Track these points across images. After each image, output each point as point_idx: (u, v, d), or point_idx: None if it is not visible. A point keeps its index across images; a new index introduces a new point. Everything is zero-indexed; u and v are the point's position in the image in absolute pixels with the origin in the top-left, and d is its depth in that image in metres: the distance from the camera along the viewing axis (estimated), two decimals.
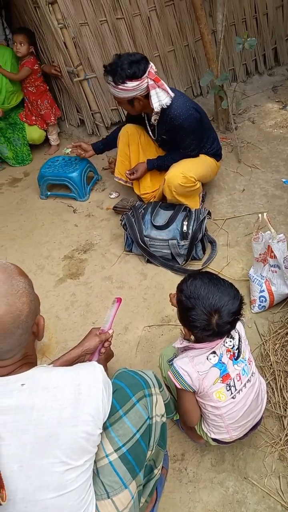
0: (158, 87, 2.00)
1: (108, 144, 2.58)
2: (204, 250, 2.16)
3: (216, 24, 2.75)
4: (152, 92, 2.00)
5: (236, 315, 1.10)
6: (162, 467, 1.33)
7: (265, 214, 1.73)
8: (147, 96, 2.05)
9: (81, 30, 2.84)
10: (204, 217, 2.10)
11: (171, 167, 2.21)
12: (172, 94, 2.05)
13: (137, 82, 1.97)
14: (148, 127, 2.32)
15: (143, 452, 1.00)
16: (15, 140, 3.23)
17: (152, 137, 2.35)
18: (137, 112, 2.18)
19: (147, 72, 1.98)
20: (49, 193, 2.81)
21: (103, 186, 2.86)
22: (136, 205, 2.32)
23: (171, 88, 2.08)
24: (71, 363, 1.23)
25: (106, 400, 0.90)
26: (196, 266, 2.12)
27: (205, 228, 2.11)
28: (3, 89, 3.06)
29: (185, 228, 2.08)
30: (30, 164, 3.30)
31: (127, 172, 2.39)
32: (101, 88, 3.07)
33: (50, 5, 2.71)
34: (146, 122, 2.30)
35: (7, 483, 0.76)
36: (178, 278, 2.07)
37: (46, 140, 3.39)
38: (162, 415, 1.07)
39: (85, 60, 2.94)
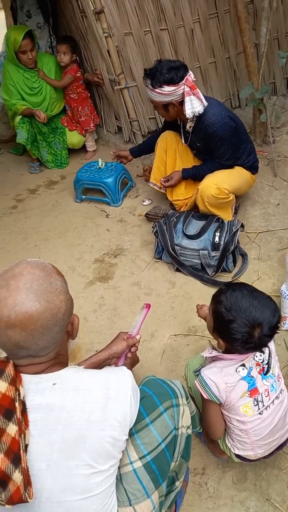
0: (193, 94, 2.04)
1: (142, 150, 2.67)
2: (235, 262, 2.14)
3: (260, 37, 2.74)
4: (187, 99, 2.03)
5: (275, 329, 1.09)
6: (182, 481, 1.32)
7: None
8: (182, 103, 2.08)
9: (125, 39, 2.91)
10: (237, 229, 2.08)
11: (206, 177, 2.20)
12: (206, 103, 2.07)
13: (174, 88, 2.01)
14: (182, 134, 2.33)
15: (167, 463, 0.99)
16: (55, 144, 3.33)
17: (186, 143, 2.36)
18: (172, 118, 2.22)
19: (184, 79, 2.01)
20: (83, 196, 2.88)
21: (137, 193, 2.90)
22: (169, 213, 2.33)
23: (207, 97, 2.11)
24: (97, 365, 1.25)
25: (133, 407, 0.90)
26: (225, 278, 2.10)
27: (237, 240, 2.10)
28: (47, 96, 3.17)
29: (217, 239, 2.07)
30: (67, 168, 3.39)
31: (162, 179, 2.41)
32: (140, 96, 3.12)
33: (97, 14, 2.80)
34: (181, 129, 2.31)
35: (34, 481, 0.77)
36: (206, 289, 2.06)
37: (84, 145, 3.48)
38: (188, 427, 1.06)
39: (127, 69, 3.00)
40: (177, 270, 2.18)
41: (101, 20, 2.82)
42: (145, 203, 2.76)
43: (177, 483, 1.11)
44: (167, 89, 2.02)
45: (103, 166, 2.82)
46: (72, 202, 2.93)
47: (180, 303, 2.02)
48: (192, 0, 2.95)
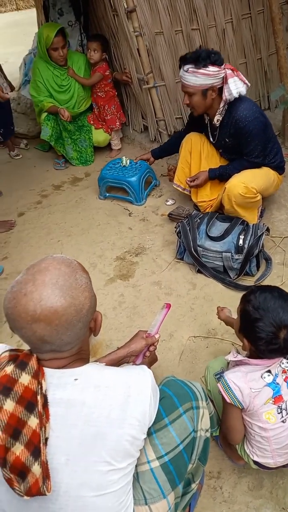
0: (236, 76, 2.03)
1: (164, 151, 2.68)
2: (258, 266, 2.11)
3: None
4: (230, 80, 2.01)
5: None
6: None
7: None
8: (220, 90, 2.06)
9: (156, 39, 2.90)
10: (262, 233, 2.05)
11: (233, 176, 2.18)
12: (249, 84, 2.07)
13: (218, 69, 1.99)
14: (209, 131, 2.30)
15: (184, 465, 0.99)
16: (81, 142, 3.37)
17: (213, 141, 2.33)
18: (206, 108, 2.17)
19: (224, 64, 2.02)
20: (107, 194, 2.89)
21: (160, 193, 2.89)
22: (193, 214, 2.32)
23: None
24: (116, 362, 1.25)
25: (153, 406, 0.90)
26: (248, 281, 2.07)
27: (262, 244, 2.06)
28: (75, 94, 3.21)
29: (241, 242, 2.04)
30: (92, 165, 3.42)
31: (188, 179, 2.39)
32: (168, 96, 3.12)
33: (128, 13, 2.81)
34: (208, 127, 2.27)
35: (53, 475, 0.78)
36: (228, 292, 2.04)
37: (109, 143, 3.50)
38: (207, 430, 1.05)
39: (156, 68, 3.00)
40: (199, 271, 2.16)
41: (133, 19, 2.83)
42: (168, 203, 2.75)
43: (193, 485, 1.10)
44: (212, 69, 1.99)
45: (128, 163, 2.81)
46: (96, 199, 2.95)
47: (201, 305, 2.00)
48: (225, 0, 2.92)
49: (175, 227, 2.27)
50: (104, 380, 0.85)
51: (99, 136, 3.37)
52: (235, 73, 2.03)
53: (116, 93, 3.37)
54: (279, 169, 2.31)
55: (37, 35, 3.11)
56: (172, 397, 1.01)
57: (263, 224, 2.16)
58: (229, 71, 2.02)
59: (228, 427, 1.19)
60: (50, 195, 3.11)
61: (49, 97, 3.16)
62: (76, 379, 0.83)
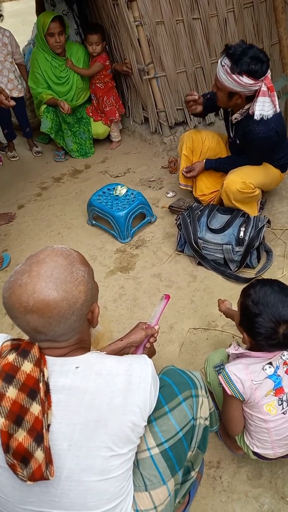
0: (269, 96, 1.89)
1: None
2: (259, 258, 2.10)
3: None
4: (259, 99, 1.89)
5: None
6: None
7: None
8: (249, 98, 1.95)
9: (157, 28, 2.87)
10: (263, 225, 2.04)
11: (231, 172, 2.16)
12: (278, 110, 1.94)
13: (252, 82, 1.84)
14: (230, 124, 2.23)
15: (184, 452, 1.00)
16: (80, 134, 3.34)
17: (229, 137, 2.29)
18: (228, 106, 2.09)
19: (264, 76, 1.85)
20: (94, 222, 2.56)
21: (161, 185, 2.88)
22: (193, 206, 2.31)
23: None
24: (116, 353, 1.26)
25: (153, 394, 0.91)
26: (249, 274, 2.07)
27: (263, 236, 2.05)
28: (73, 86, 3.17)
29: (242, 234, 2.03)
30: (92, 157, 3.40)
31: (184, 169, 2.37)
32: (169, 87, 3.08)
33: (129, 2, 2.77)
34: (230, 117, 2.20)
35: (55, 460, 0.79)
36: (228, 284, 2.03)
37: (109, 135, 3.47)
38: (206, 418, 1.06)
39: (157, 59, 2.97)
40: (199, 263, 2.16)
41: (133, 8, 2.79)
42: (169, 195, 2.74)
43: (192, 473, 1.11)
44: (245, 80, 1.83)
45: (123, 193, 2.47)
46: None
47: (201, 297, 2.01)
48: None
49: (176, 219, 2.26)
50: (105, 367, 0.86)
51: (98, 128, 3.35)
52: (269, 92, 1.87)
53: (115, 84, 3.34)
54: (282, 168, 2.30)
55: (36, 23, 3.09)
56: (171, 386, 1.02)
57: (264, 216, 2.15)
58: (264, 88, 1.86)
59: (228, 418, 1.19)
60: (50, 187, 3.10)
61: (48, 88, 3.14)
62: (77, 367, 0.84)
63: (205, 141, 2.36)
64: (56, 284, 0.81)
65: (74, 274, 0.84)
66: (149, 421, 0.96)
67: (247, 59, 1.80)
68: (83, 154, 3.40)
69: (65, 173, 3.25)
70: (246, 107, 2.03)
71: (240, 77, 1.84)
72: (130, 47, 3.02)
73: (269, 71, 1.87)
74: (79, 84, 3.19)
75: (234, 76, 1.85)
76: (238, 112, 2.08)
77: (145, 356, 0.95)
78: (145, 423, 0.89)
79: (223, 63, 1.88)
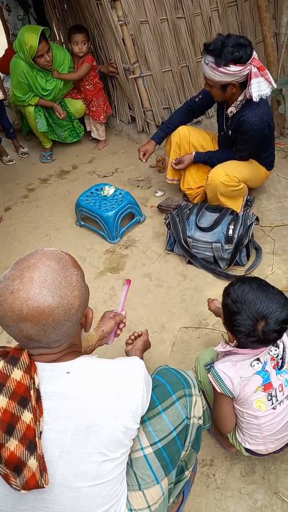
0: (261, 75, 1.86)
1: (169, 132, 2.41)
2: (248, 256, 2.12)
3: (280, 27, 2.68)
4: (254, 81, 1.85)
5: (284, 324, 1.07)
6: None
7: None
8: (243, 84, 1.93)
9: (141, 27, 2.86)
10: (252, 223, 2.05)
11: (216, 166, 2.18)
12: (275, 85, 1.93)
13: (240, 68, 1.82)
14: (224, 119, 2.22)
15: (178, 451, 1.00)
16: (66, 120, 3.27)
17: (222, 130, 2.27)
18: (224, 99, 2.06)
19: (251, 59, 1.82)
20: (82, 223, 2.55)
21: (149, 184, 2.87)
22: (182, 204, 2.31)
23: None
24: (91, 349, 1.27)
25: (145, 397, 0.90)
26: (238, 271, 2.08)
27: (252, 234, 2.07)
28: (56, 91, 3.09)
29: (230, 232, 2.04)
30: (79, 157, 3.37)
31: (173, 161, 2.37)
32: (155, 86, 3.08)
33: (112, 1, 2.75)
34: (225, 111, 2.18)
35: (47, 467, 0.78)
36: (218, 282, 2.04)
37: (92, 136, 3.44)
38: (199, 417, 1.06)
39: (142, 58, 2.96)
40: (189, 262, 2.16)
41: (117, 8, 2.77)
42: (157, 194, 2.74)
43: (186, 473, 1.11)
44: (233, 68, 1.81)
45: (110, 193, 2.46)
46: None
47: (191, 295, 2.01)
48: None
49: (165, 219, 2.26)
50: (96, 372, 0.85)
51: (75, 104, 3.25)
52: (261, 72, 1.86)
53: (103, 85, 3.32)
54: (268, 166, 2.33)
55: (17, 41, 2.86)
56: (165, 385, 1.02)
57: (253, 213, 2.17)
58: (254, 70, 1.84)
59: (219, 416, 1.20)
60: (37, 188, 3.07)
61: (31, 92, 3.06)
62: (68, 372, 0.82)
63: (191, 136, 2.36)
64: (50, 290, 0.78)
65: (68, 278, 0.82)
66: (143, 420, 0.96)
67: (229, 48, 1.79)
68: (76, 135, 3.36)
69: (52, 174, 3.22)
70: (240, 98, 2.01)
71: (227, 68, 1.83)
72: (115, 46, 3.00)
73: (254, 53, 1.86)
74: (60, 91, 3.14)
75: (221, 69, 1.84)
76: (233, 105, 2.07)
77: (136, 358, 0.95)
78: (138, 426, 0.89)
79: (206, 61, 1.88)
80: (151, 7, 2.81)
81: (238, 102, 2.04)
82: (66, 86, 3.16)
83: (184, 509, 1.28)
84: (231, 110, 2.10)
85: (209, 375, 1.15)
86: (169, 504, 1.05)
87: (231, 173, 2.09)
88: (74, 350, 0.90)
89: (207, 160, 2.29)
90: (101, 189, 2.52)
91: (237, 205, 2.22)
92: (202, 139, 2.38)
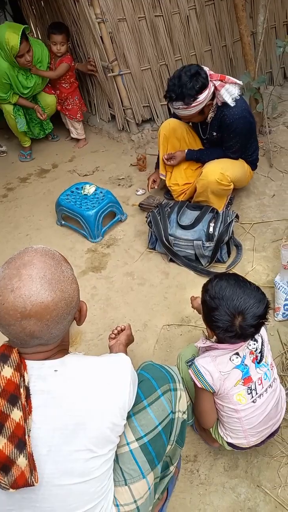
0: (226, 82, 1.98)
1: None
2: (229, 253, 2.14)
3: (257, 26, 2.71)
4: (223, 91, 1.98)
5: (261, 319, 1.09)
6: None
7: None
8: (213, 96, 2.03)
9: (119, 25, 2.84)
10: (232, 220, 2.07)
11: (210, 162, 2.20)
12: (240, 82, 2.04)
13: (206, 91, 1.96)
14: (199, 124, 2.29)
15: (163, 445, 1.01)
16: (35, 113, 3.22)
17: (202, 135, 2.32)
18: (206, 117, 2.16)
19: (209, 76, 1.96)
20: (63, 222, 2.52)
21: (130, 183, 2.87)
22: (163, 203, 2.31)
23: None
24: None
25: (132, 393, 0.91)
26: (220, 268, 2.10)
27: (232, 231, 2.09)
28: (33, 87, 3.04)
29: (211, 229, 2.06)
30: (59, 156, 3.33)
31: (165, 156, 2.37)
32: (134, 84, 3.07)
33: None
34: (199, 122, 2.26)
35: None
36: (200, 279, 2.05)
37: (66, 129, 3.42)
38: (184, 412, 1.07)
39: (121, 56, 2.95)
40: (171, 260, 2.17)
41: (94, 5, 2.75)
42: (138, 193, 2.73)
43: (171, 468, 1.12)
44: (201, 97, 1.95)
45: (91, 192, 2.44)
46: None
47: (174, 293, 2.01)
48: None
49: (146, 217, 2.26)
50: (83, 370, 0.85)
51: (47, 98, 3.20)
52: (224, 81, 1.98)
53: (78, 84, 3.29)
54: (253, 165, 2.36)
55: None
56: (150, 380, 1.03)
57: (233, 211, 2.19)
58: (217, 83, 1.97)
59: (201, 411, 1.20)
60: (16, 188, 3.02)
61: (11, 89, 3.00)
62: (56, 370, 0.82)
63: (179, 132, 2.35)
64: (51, 285, 0.79)
65: (64, 273, 0.83)
66: (128, 416, 0.97)
67: (189, 86, 1.92)
68: (44, 130, 3.32)
69: (31, 173, 3.17)
70: (214, 103, 2.09)
71: (197, 100, 1.96)
72: (93, 44, 2.98)
73: (207, 69, 1.99)
74: (38, 88, 3.10)
75: (193, 104, 1.96)
76: (211, 111, 2.13)
77: (123, 355, 0.95)
78: (125, 422, 0.90)
79: (175, 106, 2.01)
80: (129, 5, 2.80)
81: (214, 107, 2.11)
82: (43, 82, 3.12)
83: (169, 505, 1.28)
84: (210, 115, 2.15)
85: (189, 370, 1.16)
86: (154, 500, 1.06)
87: (225, 172, 2.12)
88: (63, 348, 0.90)
89: (199, 157, 2.31)
90: (82, 188, 2.50)
91: (221, 204, 2.24)
92: (189, 137, 2.38)
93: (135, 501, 0.94)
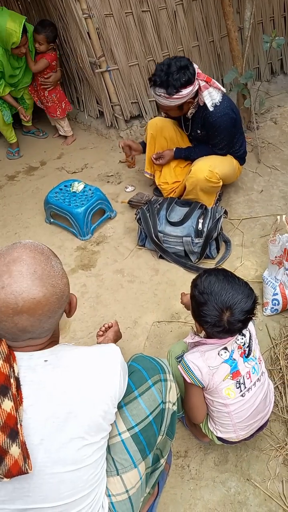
0: (211, 86, 1.99)
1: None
2: (218, 249, 2.14)
3: (244, 21, 2.71)
4: (205, 93, 1.98)
5: (249, 314, 1.10)
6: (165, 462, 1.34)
7: (283, 216, 1.71)
8: (195, 96, 2.03)
9: (106, 21, 2.82)
10: (220, 216, 2.08)
11: (198, 159, 2.19)
12: (224, 90, 2.04)
13: (191, 88, 1.95)
14: (183, 122, 2.29)
15: (154, 435, 1.02)
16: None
17: (185, 132, 2.33)
18: (184, 114, 2.16)
19: (196, 74, 1.96)
20: (52, 220, 2.51)
21: (119, 179, 2.85)
22: (152, 200, 2.31)
23: None
24: None
25: (122, 382, 0.92)
26: (209, 264, 2.11)
27: (221, 227, 2.09)
28: (19, 75, 3.02)
29: (200, 226, 2.06)
30: (47, 154, 3.30)
31: (154, 155, 2.36)
32: (122, 80, 3.05)
33: None
34: (182, 117, 2.26)
35: None
36: (190, 276, 2.06)
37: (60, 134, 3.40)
38: (174, 403, 1.08)
39: (108, 51, 2.92)
40: (161, 257, 2.17)
41: (80, 0, 2.72)
42: (128, 190, 2.72)
43: (161, 461, 1.13)
44: (184, 92, 1.94)
45: (80, 189, 2.42)
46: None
47: (164, 290, 2.02)
48: None
49: (135, 214, 2.25)
50: (73, 360, 0.86)
51: (30, 99, 3.26)
52: (209, 83, 1.98)
53: (59, 83, 3.23)
54: (241, 160, 2.36)
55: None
56: (141, 371, 1.05)
57: (221, 207, 2.20)
58: (202, 83, 1.97)
59: (191, 406, 1.21)
60: (4, 186, 2.99)
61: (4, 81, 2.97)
62: (46, 361, 0.82)
63: (165, 131, 2.35)
64: (42, 281, 0.79)
65: (54, 268, 0.84)
66: (120, 406, 0.98)
67: (175, 76, 1.91)
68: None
69: (19, 170, 3.14)
70: (195, 101, 2.09)
71: (179, 93, 1.94)
72: (80, 40, 2.95)
73: (196, 67, 1.98)
74: (25, 79, 3.07)
75: (174, 96, 1.95)
76: (191, 107, 2.13)
77: (113, 345, 0.96)
78: (116, 410, 0.90)
79: (157, 92, 1.99)
80: (116, 1, 2.78)
81: (195, 104, 2.11)
82: (26, 76, 3.10)
83: (160, 501, 1.29)
84: (191, 111, 2.16)
85: (179, 366, 1.17)
86: (145, 494, 1.06)
87: (214, 169, 2.11)
88: (54, 340, 0.90)
89: (187, 156, 2.30)
90: (70, 185, 2.48)
91: (210, 201, 2.25)
92: (175, 135, 2.38)
93: (127, 491, 0.96)
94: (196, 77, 1.97)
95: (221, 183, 2.20)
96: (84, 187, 2.45)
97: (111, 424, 0.91)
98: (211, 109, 2.02)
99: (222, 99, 2.05)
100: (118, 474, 0.95)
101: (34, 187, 2.92)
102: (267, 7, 3.33)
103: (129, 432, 0.97)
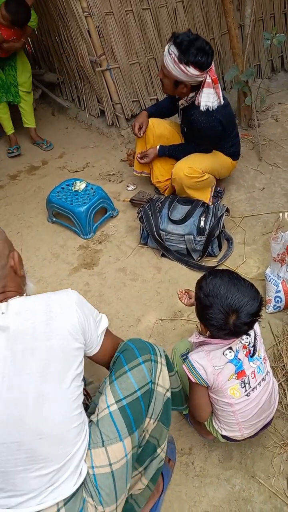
0: (213, 88, 1.96)
1: (159, 113, 2.41)
2: (220, 247, 2.15)
3: (244, 18, 2.70)
4: (205, 90, 1.94)
5: (255, 316, 1.09)
6: (169, 459, 1.34)
7: (286, 213, 1.71)
8: (194, 88, 2.00)
9: (106, 19, 2.81)
10: (222, 214, 2.08)
11: (180, 160, 2.20)
12: (222, 101, 2.01)
13: (198, 73, 1.90)
14: (178, 110, 2.28)
15: (141, 412, 1.03)
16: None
17: (180, 121, 2.33)
18: (173, 94, 2.11)
19: (209, 67, 1.91)
20: (54, 219, 2.51)
21: (121, 178, 2.85)
22: (154, 198, 2.31)
23: None
24: None
25: (82, 319, 0.97)
26: (211, 262, 2.11)
27: (223, 225, 2.09)
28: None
29: (202, 223, 2.06)
30: (49, 152, 3.31)
31: (138, 155, 2.37)
32: (123, 79, 3.05)
33: None
34: (178, 103, 2.23)
35: None
36: (192, 274, 2.06)
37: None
38: (167, 390, 1.09)
39: (109, 50, 2.92)
40: (163, 255, 2.17)
41: None
42: (129, 188, 2.72)
43: (158, 450, 1.13)
44: (191, 71, 1.88)
45: (82, 188, 2.42)
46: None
47: (166, 288, 2.02)
48: None
49: (137, 212, 2.25)
50: (24, 305, 0.94)
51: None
52: (214, 84, 1.94)
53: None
54: (233, 156, 2.36)
55: None
56: (133, 349, 1.08)
57: (223, 205, 2.19)
58: (209, 80, 1.93)
59: (195, 405, 1.21)
60: (6, 185, 2.99)
61: None
62: (3, 313, 0.92)
63: (157, 129, 2.35)
64: None
65: None
66: (111, 381, 1.03)
67: (194, 50, 1.85)
68: (13, 96, 3.17)
69: (21, 170, 3.14)
70: (191, 95, 2.08)
71: (187, 67, 1.89)
72: (81, 38, 2.94)
73: (213, 63, 1.94)
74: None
75: (181, 66, 1.89)
76: (184, 99, 2.12)
77: (69, 290, 1.02)
78: (81, 345, 0.97)
79: (170, 51, 1.90)
80: None
81: (188, 98, 2.09)
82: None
83: (165, 498, 1.30)
84: (182, 102, 2.15)
85: (183, 365, 1.17)
86: (131, 481, 1.05)
87: (194, 166, 2.11)
88: (9, 296, 0.98)
89: (171, 153, 2.30)
90: (72, 184, 2.48)
91: (205, 196, 2.25)
92: (167, 133, 2.38)
93: (110, 464, 0.97)
94: (208, 70, 1.92)
95: (206, 176, 2.19)
96: (86, 186, 2.45)
97: (100, 398, 1.01)
98: (203, 109, 1.98)
99: (216, 108, 2.02)
100: (103, 445, 0.98)
101: (36, 186, 2.93)
102: (268, 4, 3.32)
103: (117, 405, 1.00)
